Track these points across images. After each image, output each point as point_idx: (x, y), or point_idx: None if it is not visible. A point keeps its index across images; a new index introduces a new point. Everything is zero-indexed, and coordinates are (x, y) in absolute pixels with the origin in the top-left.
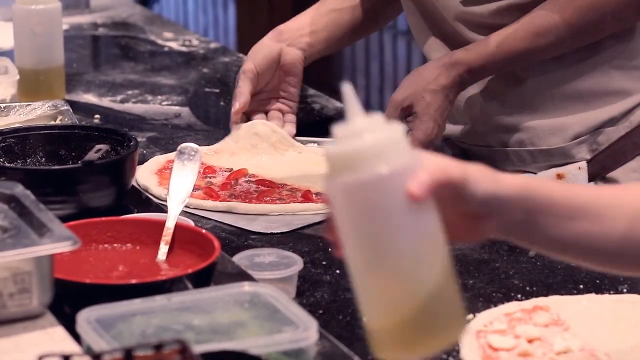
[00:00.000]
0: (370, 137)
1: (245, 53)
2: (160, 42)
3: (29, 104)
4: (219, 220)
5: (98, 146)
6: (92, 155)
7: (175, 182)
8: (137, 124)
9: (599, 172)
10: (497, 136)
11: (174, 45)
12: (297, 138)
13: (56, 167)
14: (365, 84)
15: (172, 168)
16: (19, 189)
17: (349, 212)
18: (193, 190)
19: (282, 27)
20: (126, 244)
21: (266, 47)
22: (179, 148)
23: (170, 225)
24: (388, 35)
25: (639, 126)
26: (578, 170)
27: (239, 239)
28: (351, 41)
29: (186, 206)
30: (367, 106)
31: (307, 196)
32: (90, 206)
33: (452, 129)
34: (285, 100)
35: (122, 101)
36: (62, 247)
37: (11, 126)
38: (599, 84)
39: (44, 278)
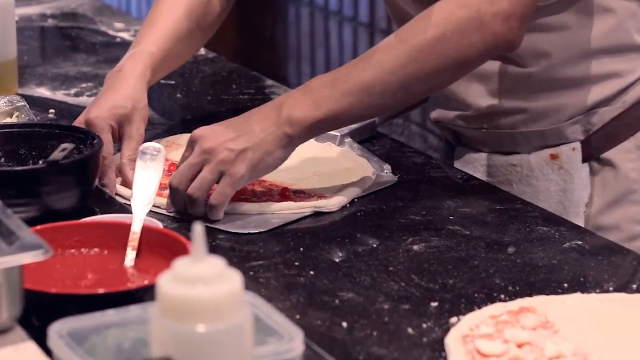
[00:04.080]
0: (201, 290)
1: (213, 46)
2: (111, 32)
3: None
4: (188, 219)
5: (63, 145)
6: (57, 154)
7: (139, 183)
8: None
9: (592, 152)
10: (489, 119)
11: (126, 35)
12: None
13: (20, 167)
14: (310, 71)
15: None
16: None
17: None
18: (159, 188)
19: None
20: (93, 249)
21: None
22: (140, 148)
23: (136, 229)
24: (334, 21)
25: (632, 106)
26: (572, 151)
27: (206, 239)
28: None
29: (153, 205)
30: None
31: (284, 194)
32: (54, 208)
33: (443, 112)
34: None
35: (77, 94)
36: (33, 257)
37: None
38: (590, 68)
39: (13, 290)
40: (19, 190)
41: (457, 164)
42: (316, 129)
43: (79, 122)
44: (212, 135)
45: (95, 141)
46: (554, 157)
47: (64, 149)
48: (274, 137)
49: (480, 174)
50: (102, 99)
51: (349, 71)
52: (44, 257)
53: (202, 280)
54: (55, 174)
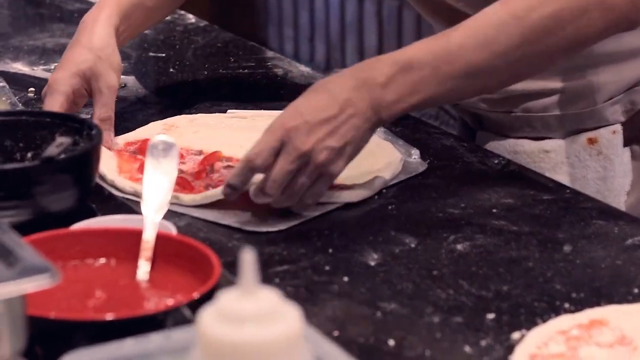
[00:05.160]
0: (252, 331)
1: (187, 10)
2: None
3: None
4: (196, 215)
5: (59, 139)
6: (52, 150)
7: (149, 184)
8: None
9: (635, 135)
10: (518, 101)
11: None
12: (268, 112)
13: (10, 166)
14: (293, 36)
15: (143, 165)
16: None
17: None
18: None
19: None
20: (99, 259)
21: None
22: (150, 143)
23: (149, 237)
24: None
25: None
26: (612, 134)
27: (220, 240)
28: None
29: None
30: (296, 59)
31: None
32: (49, 210)
33: None
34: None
35: None
36: (38, 284)
37: None
38: (632, 42)
39: (16, 321)
40: (9, 191)
41: None
42: (410, 111)
43: (44, 92)
44: (306, 130)
45: (93, 132)
46: (592, 141)
47: (60, 144)
48: (370, 124)
49: None
50: (64, 57)
51: (452, 49)
52: (52, 284)
53: (253, 318)
54: (51, 173)
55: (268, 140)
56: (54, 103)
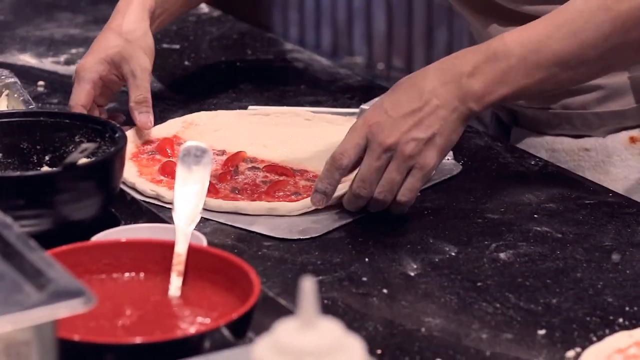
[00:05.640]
0: None
1: None
2: None
3: None
4: (222, 221)
5: (83, 145)
6: (76, 156)
7: (181, 193)
8: None
9: None
10: (556, 97)
11: None
12: (291, 108)
13: (31, 172)
14: (298, 20)
15: (175, 172)
16: None
17: None
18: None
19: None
20: (127, 274)
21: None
22: (181, 148)
23: (180, 250)
24: None
25: None
26: None
27: (249, 247)
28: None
29: None
30: (302, 45)
31: None
32: (72, 219)
33: None
34: None
35: (67, 62)
36: (72, 308)
37: None
38: None
39: (47, 348)
40: (30, 199)
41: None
42: (499, 103)
43: (73, 79)
44: (389, 125)
45: (117, 134)
46: (633, 140)
47: (84, 150)
48: (459, 114)
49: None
50: (94, 43)
51: (540, 39)
52: (86, 308)
53: (314, 353)
54: (74, 180)
55: (352, 138)
56: (80, 91)
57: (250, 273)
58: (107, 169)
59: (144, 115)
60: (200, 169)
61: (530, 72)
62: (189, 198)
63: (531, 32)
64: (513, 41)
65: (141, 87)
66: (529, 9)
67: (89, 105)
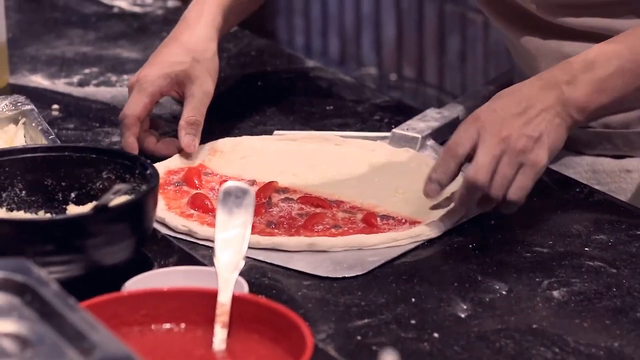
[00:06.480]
0: None
1: None
2: (105, 1)
3: None
4: (259, 258)
5: (117, 187)
6: (108, 197)
7: (222, 237)
8: (106, 115)
9: None
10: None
11: (124, 4)
12: (319, 133)
13: (61, 216)
14: (304, 27)
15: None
16: (34, 274)
17: None
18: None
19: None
20: (166, 324)
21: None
22: (221, 190)
23: (224, 300)
24: None
25: None
26: None
27: (289, 288)
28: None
29: (210, 240)
30: (308, 53)
31: (370, 221)
32: (104, 264)
33: None
34: None
35: (81, 84)
36: None
37: None
38: None
39: None
40: (60, 244)
41: (554, 168)
42: (600, 114)
43: (130, 84)
44: (501, 120)
45: (148, 171)
46: None
47: (117, 191)
48: (562, 120)
49: (583, 181)
50: (159, 53)
51: (636, 48)
52: None
53: None
54: (106, 222)
55: (465, 130)
56: (138, 103)
57: (301, 325)
58: (140, 210)
59: (189, 137)
60: (242, 211)
61: (628, 81)
62: (231, 244)
63: (628, 42)
64: (609, 50)
65: (197, 110)
66: (564, 21)
67: (143, 119)
